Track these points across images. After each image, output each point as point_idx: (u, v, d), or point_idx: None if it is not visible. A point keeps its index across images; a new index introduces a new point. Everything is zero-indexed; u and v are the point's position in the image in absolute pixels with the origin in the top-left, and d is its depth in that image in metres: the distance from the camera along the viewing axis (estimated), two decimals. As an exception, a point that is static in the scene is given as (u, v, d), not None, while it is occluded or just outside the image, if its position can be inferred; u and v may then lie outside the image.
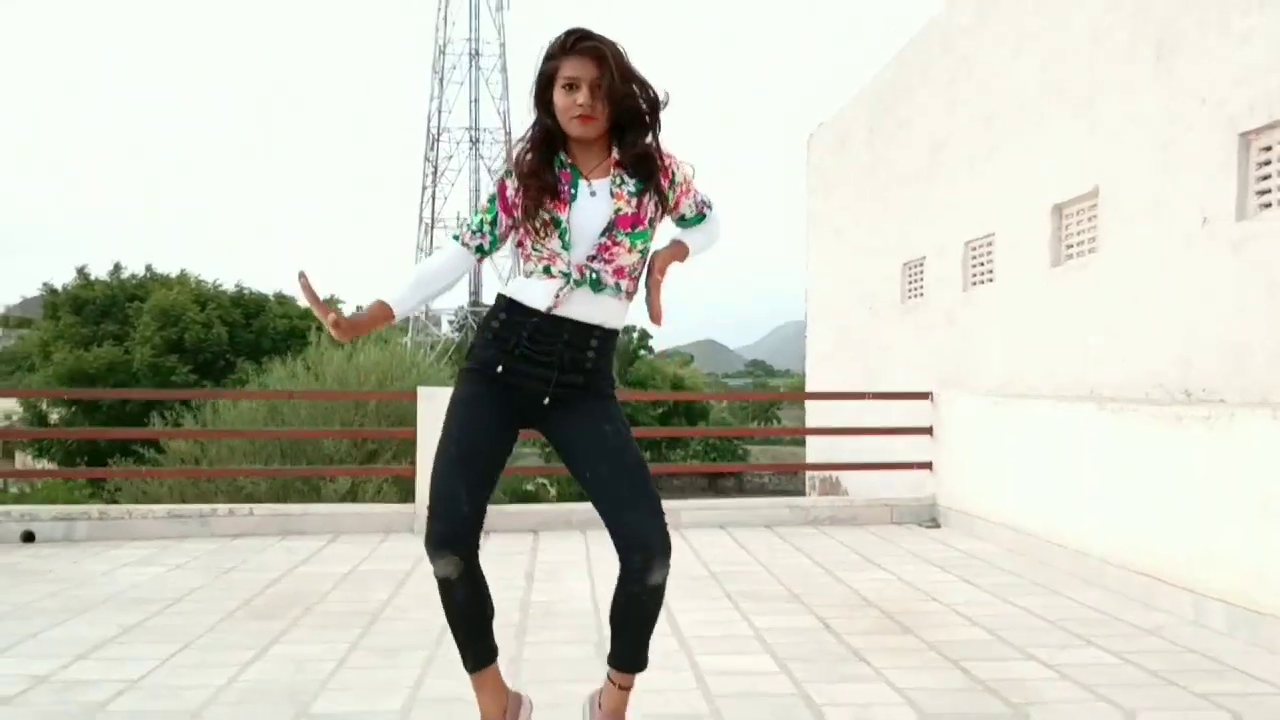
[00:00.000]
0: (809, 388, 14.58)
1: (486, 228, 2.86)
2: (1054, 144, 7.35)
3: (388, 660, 4.19)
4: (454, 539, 2.71)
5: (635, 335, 65.64)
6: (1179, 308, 5.86)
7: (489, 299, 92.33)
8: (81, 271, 32.87)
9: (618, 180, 2.81)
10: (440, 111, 75.79)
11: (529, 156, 2.80)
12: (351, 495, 12.05)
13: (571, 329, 2.79)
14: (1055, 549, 6.15)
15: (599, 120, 2.77)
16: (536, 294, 2.79)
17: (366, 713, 3.53)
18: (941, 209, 9.59)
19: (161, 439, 14.66)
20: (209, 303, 29.66)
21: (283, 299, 32.22)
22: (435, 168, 77.66)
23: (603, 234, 2.78)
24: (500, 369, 2.79)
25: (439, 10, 73.61)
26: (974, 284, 9.05)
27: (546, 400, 2.81)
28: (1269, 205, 5.30)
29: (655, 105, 2.80)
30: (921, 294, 10.30)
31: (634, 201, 2.80)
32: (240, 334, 29.79)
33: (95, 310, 30.94)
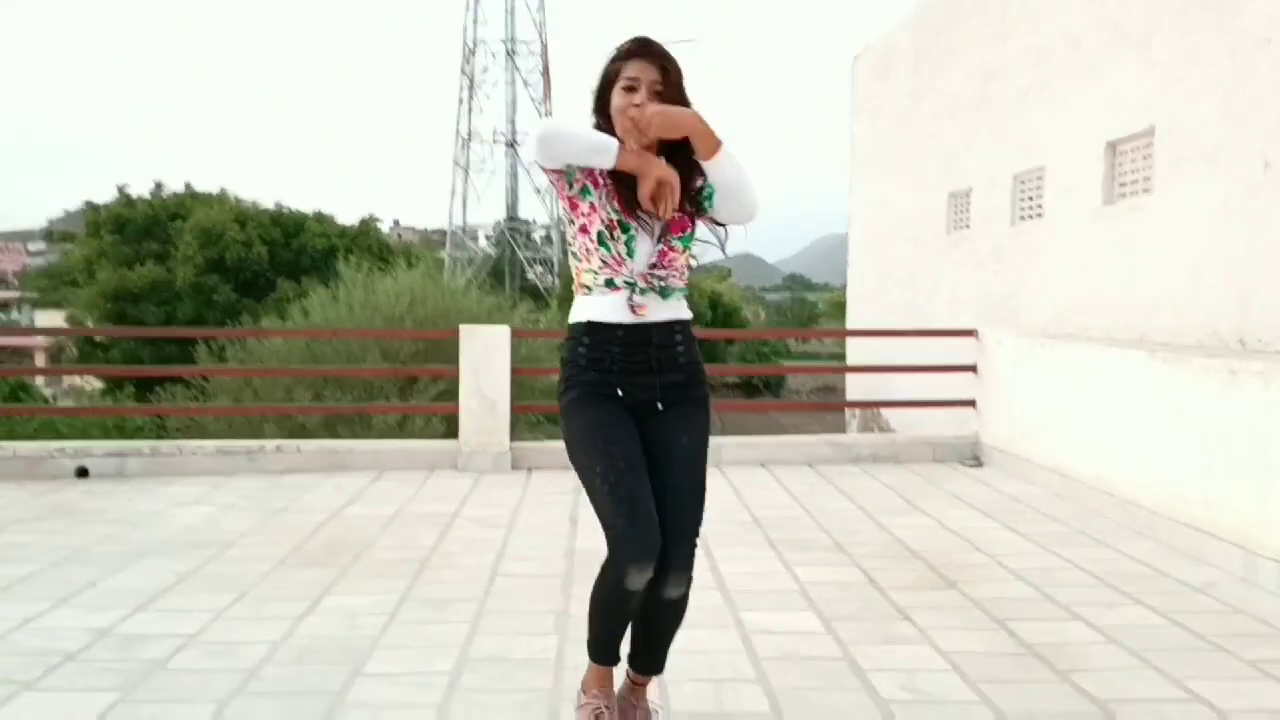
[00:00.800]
0: (850, 319, 14.46)
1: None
2: (1109, 80, 7.11)
3: (437, 614, 4.26)
4: (653, 550, 2.70)
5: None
6: (1237, 255, 5.71)
7: (525, 214, 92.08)
8: (122, 191, 33.06)
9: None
10: (475, 23, 74.99)
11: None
12: (399, 424, 12.17)
13: (656, 331, 2.81)
14: (1103, 496, 6.10)
15: (651, 132, 2.72)
16: (609, 308, 2.79)
17: (419, 673, 3.60)
18: (990, 141, 9.36)
19: (207, 375, 14.82)
20: (249, 222, 29.77)
21: (321, 218, 32.28)
22: (471, 81, 76.98)
23: (658, 241, 2.78)
24: (621, 392, 2.80)
25: (472, -78, 72.47)
26: (1022, 219, 8.86)
27: (660, 401, 2.82)
28: (1336, 154, 5.15)
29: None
30: (968, 226, 10.12)
31: (677, 208, 2.77)
32: (280, 253, 29.94)
33: (137, 229, 31.17)
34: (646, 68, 2.73)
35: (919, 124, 11.42)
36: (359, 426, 11.58)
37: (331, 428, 11.30)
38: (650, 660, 3.03)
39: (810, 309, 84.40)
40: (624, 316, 2.78)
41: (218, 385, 14.27)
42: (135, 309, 29.06)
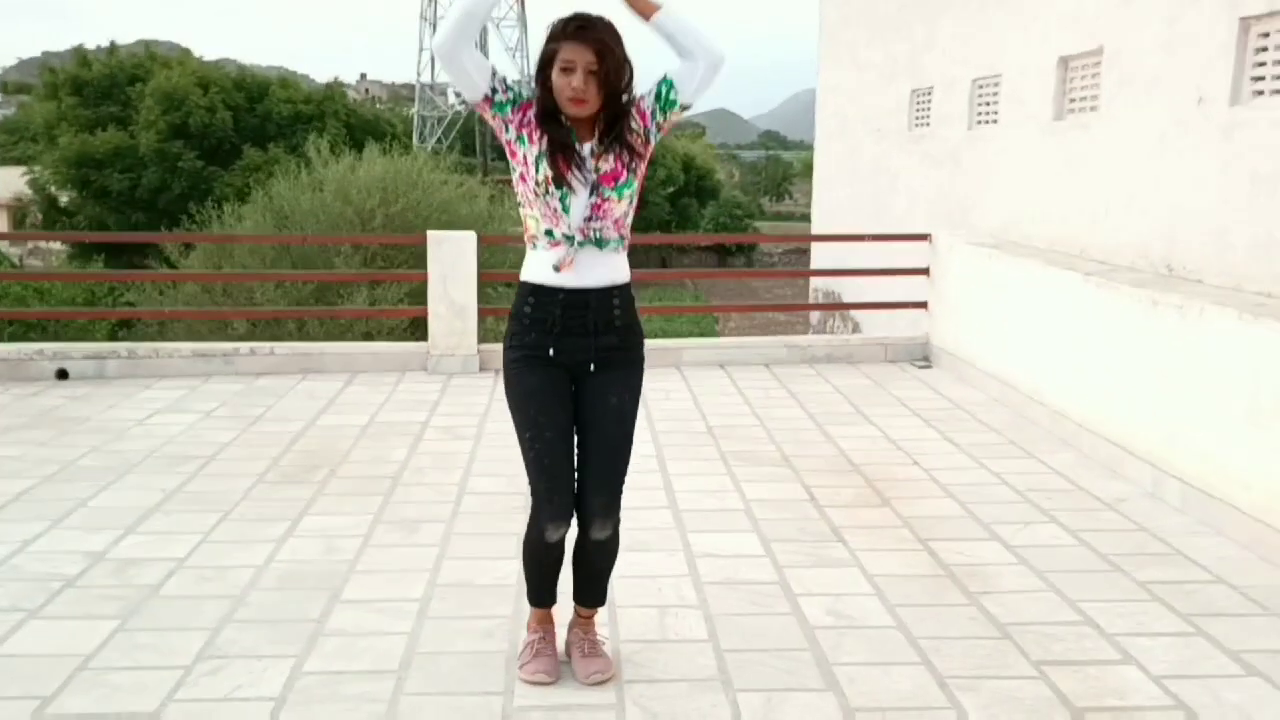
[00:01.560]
0: (815, 204, 14.64)
1: (509, 90, 3.04)
2: (1065, -6, 7.22)
3: (408, 537, 4.61)
4: (568, 513, 3.18)
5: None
6: (1168, 184, 5.95)
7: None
8: (78, 51, 32.18)
9: (595, 146, 3.03)
10: None
11: (543, 107, 3.01)
12: (369, 306, 12.37)
13: (594, 297, 3.08)
14: (1036, 406, 6.48)
15: (591, 104, 2.95)
16: (548, 273, 3.05)
17: (391, 600, 3.96)
18: (952, 42, 9.42)
19: (181, 240, 14.87)
20: (211, 86, 29.16)
21: (286, 82, 31.64)
22: (437, -70, 74.35)
23: (591, 194, 3.02)
24: (552, 352, 3.09)
25: None
26: (979, 123, 9.02)
27: (593, 364, 3.12)
28: (1261, 93, 5.33)
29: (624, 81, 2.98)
30: (928, 124, 10.25)
31: (610, 159, 3.01)
32: (245, 119, 29.47)
33: (95, 92, 30.48)
34: (582, 50, 2.90)
35: (886, 13, 11.41)
36: (330, 322, 11.77)
37: (301, 322, 11.50)
38: (590, 594, 3.43)
39: (785, 169, 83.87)
40: (565, 281, 3.04)
41: (186, 270, 14.35)
42: (99, 174, 28.68)
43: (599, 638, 3.49)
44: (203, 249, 14.34)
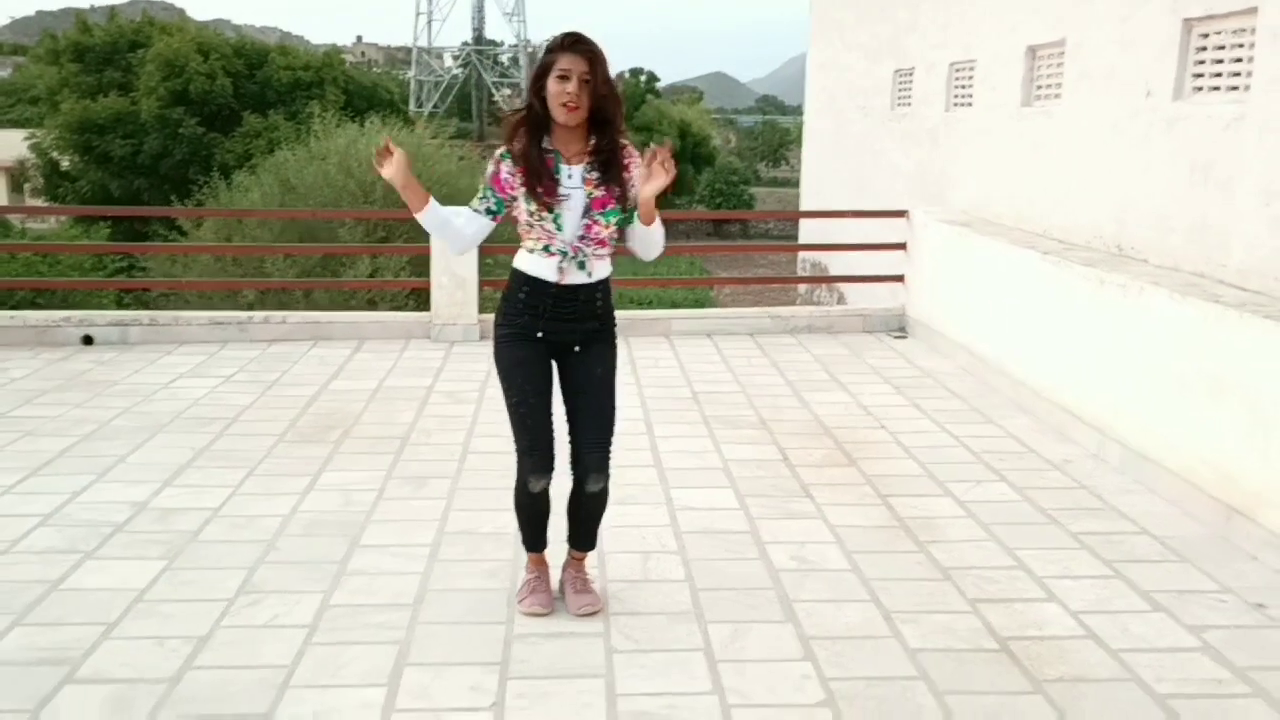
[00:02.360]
0: (804, 178, 15.08)
1: (491, 200, 3.60)
2: (1033, -15, 7.65)
3: (417, 490, 5.11)
4: (548, 466, 3.67)
5: (643, 78, 64.43)
6: (1120, 170, 6.41)
7: (491, 34, 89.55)
8: (79, 17, 32.39)
9: (589, 167, 3.49)
10: None
11: (521, 142, 3.48)
12: (372, 276, 12.81)
13: (582, 291, 3.58)
14: (999, 375, 6.97)
15: (581, 110, 3.42)
16: (546, 269, 3.54)
17: (405, 545, 4.46)
18: (932, 26, 9.83)
19: (185, 216, 15.29)
20: (211, 53, 29.40)
21: (285, 49, 31.87)
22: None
23: (583, 216, 3.50)
24: (541, 334, 3.59)
25: None
26: (956, 105, 9.45)
27: (577, 344, 3.63)
28: (1200, 89, 5.78)
29: (621, 109, 3.46)
30: (910, 104, 10.67)
31: (601, 186, 3.49)
32: (245, 85, 29.73)
33: (97, 58, 30.72)
34: (577, 60, 3.37)
35: (872, -6, 11.81)
36: (334, 290, 12.21)
37: (308, 291, 11.93)
38: (582, 539, 3.94)
39: (782, 135, 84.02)
40: (554, 278, 3.55)
41: (196, 241, 14.77)
42: (101, 140, 28.98)
43: (589, 577, 3.99)
44: (214, 220, 14.76)
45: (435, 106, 76.57)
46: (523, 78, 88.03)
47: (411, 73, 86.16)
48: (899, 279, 9.00)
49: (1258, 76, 5.15)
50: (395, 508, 4.90)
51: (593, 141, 3.50)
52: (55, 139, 29.56)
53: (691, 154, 56.36)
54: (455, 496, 5.04)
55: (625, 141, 3.53)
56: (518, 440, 3.68)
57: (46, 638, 3.62)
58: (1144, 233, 6.15)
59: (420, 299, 11.46)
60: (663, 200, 3.52)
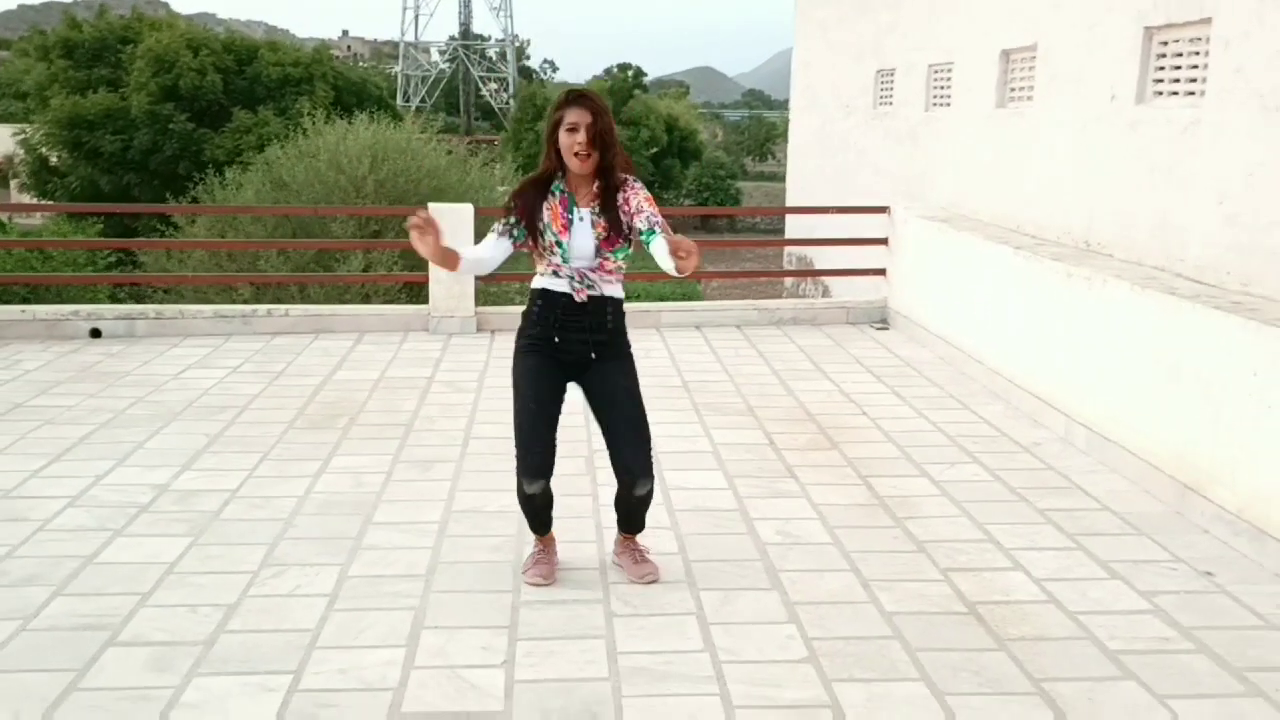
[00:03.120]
0: (789, 174, 15.39)
1: (515, 225, 3.92)
2: (1007, -9, 7.98)
3: (424, 473, 5.40)
4: (544, 470, 3.95)
5: (630, 73, 64.63)
6: (1088, 170, 6.74)
7: (478, 29, 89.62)
8: (67, 13, 32.49)
9: (596, 210, 3.83)
10: None
11: (528, 185, 3.89)
12: (365, 270, 13.07)
13: (591, 306, 3.90)
14: (975, 364, 7.30)
15: (591, 159, 3.77)
16: (560, 286, 3.88)
17: (415, 522, 4.75)
18: (912, 28, 10.16)
19: (180, 214, 15.52)
20: (201, 49, 29.55)
21: (274, 45, 32.03)
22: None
23: (595, 255, 3.84)
24: (556, 340, 3.91)
25: None
26: (934, 106, 9.78)
27: (593, 355, 3.93)
28: (1160, 94, 6.12)
29: (620, 161, 3.82)
30: (891, 104, 11.00)
31: (610, 229, 3.83)
32: (234, 81, 29.87)
33: (86, 54, 30.83)
34: (583, 113, 3.73)
35: (855, -3, 12.13)
36: (328, 285, 12.45)
37: (303, 286, 12.18)
38: (632, 526, 4.26)
39: (768, 129, 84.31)
40: (569, 290, 3.87)
41: (191, 237, 15.00)
42: (91, 136, 29.09)
43: (644, 548, 4.29)
44: (207, 216, 14.99)
45: (422, 101, 76.70)
46: (510, 72, 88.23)
47: (399, 67, 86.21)
48: (881, 272, 9.33)
49: (1211, 83, 5.48)
50: (404, 489, 5.19)
51: (598, 185, 3.83)
52: (45, 135, 29.66)
53: (678, 148, 56.56)
54: (461, 478, 5.34)
55: (625, 176, 3.85)
56: (516, 443, 4.00)
57: (87, 606, 3.91)
58: (1110, 229, 6.48)
59: (413, 293, 11.73)
60: (655, 200, 3.85)
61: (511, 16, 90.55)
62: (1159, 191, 5.97)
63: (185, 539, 4.53)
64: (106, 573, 4.19)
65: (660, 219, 3.80)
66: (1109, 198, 6.49)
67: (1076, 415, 5.92)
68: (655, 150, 54.12)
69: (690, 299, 21.91)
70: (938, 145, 9.54)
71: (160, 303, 11.32)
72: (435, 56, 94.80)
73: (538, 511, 4.13)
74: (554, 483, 4.07)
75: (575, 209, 3.85)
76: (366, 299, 12.70)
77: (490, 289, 11.54)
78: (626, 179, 3.85)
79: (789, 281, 13.63)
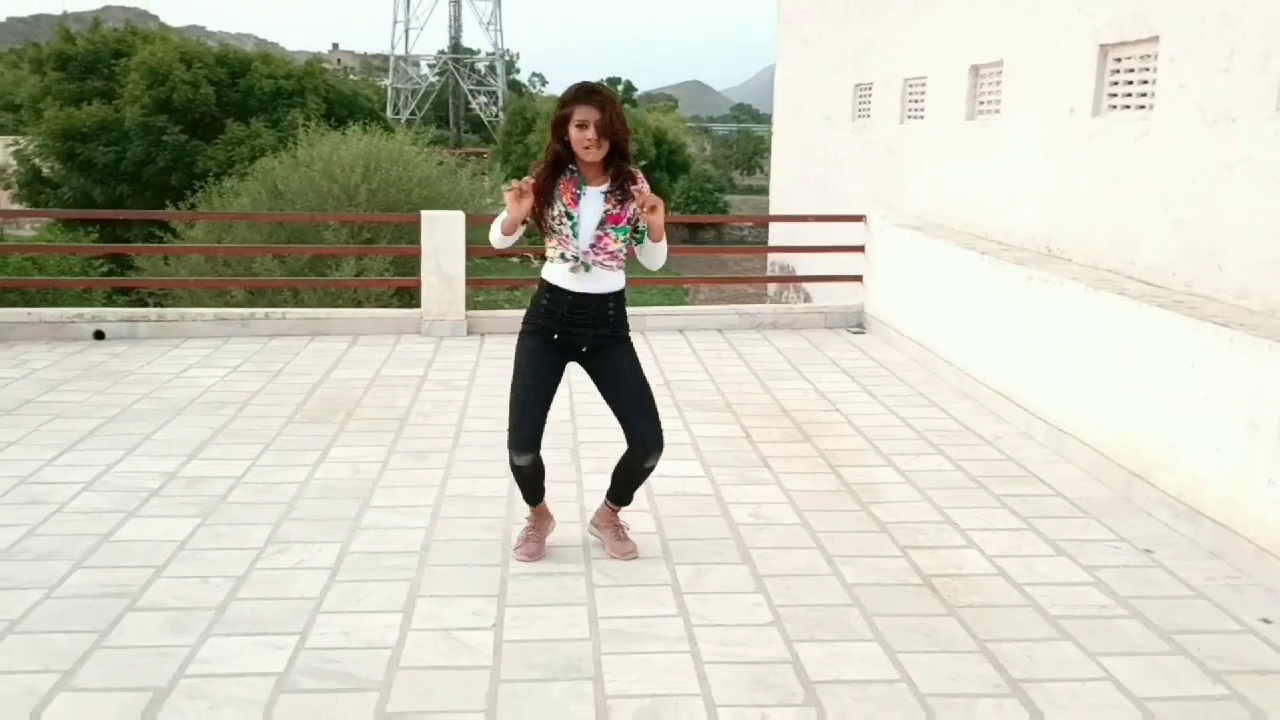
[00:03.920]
0: (773, 182, 15.78)
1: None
2: (976, 9, 8.35)
3: (419, 462, 5.71)
4: (532, 444, 4.23)
5: (620, 87, 65.13)
6: (1050, 179, 7.11)
7: (468, 42, 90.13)
8: (61, 26, 32.80)
9: (608, 191, 4.13)
10: None
11: (541, 173, 4.16)
12: (357, 275, 13.39)
13: (594, 300, 4.20)
14: (945, 364, 7.64)
15: (601, 150, 4.06)
16: (562, 277, 4.17)
17: (410, 505, 5.06)
18: (888, 43, 10.54)
19: (175, 220, 15.80)
20: (194, 62, 29.85)
21: (267, 58, 32.36)
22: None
23: (598, 226, 4.12)
24: (557, 335, 4.23)
25: None
26: (910, 118, 10.16)
27: (585, 349, 4.26)
28: (1115, 108, 6.49)
29: (629, 142, 4.12)
30: (869, 116, 11.38)
31: (619, 206, 4.13)
32: (227, 94, 30.14)
33: (79, 67, 31.09)
34: (591, 110, 4.01)
35: (836, 11, 12.51)
36: (321, 290, 12.77)
37: (296, 290, 12.48)
38: (624, 497, 4.56)
39: (756, 143, 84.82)
40: (574, 285, 4.17)
41: (188, 240, 15.31)
42: (84, 147, 29.33)
43: (625, 526, 4.60)
44: (203, 225, 15.29)
45: (413, 113, 77.08)
46: (500, 85, 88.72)
47: (389, 80, 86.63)
48: (858, 279, 9.67)
49: (1159, 97, 5.85)
50: (399, 476, 5.50)
51: (610, 170, 4.13)
52: (39, 146, 29.90)
53: (666, 162, 56.94)
54: (453, 467, 5.65)
55: (634, 170, 4.17)
56: (509, 417, 4.29)
57: (107, 577, 4.21)
58: (1071, 235, 6.84)
59: (404, 298, 12.04)
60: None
61: (501, 31, 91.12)
62: (1113, 199, 6.33)
63: (195, 519, 4.83)
64: (123, 549, 4.50)
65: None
66: (1069, 205, 6.85)
67: (1036, 410, 6.26)
68: (644, 163, 54.32)
69: (676, 306, 22.21)
70: (913, 156, 9.91)
71: (157, 308, 11.58)
72: (425, 70, 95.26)
73: (528, 481, 4.40)
74: (540, 472, 4.39)
75: (585, 188, 4.13)
76: (358, 304, 13.01)
77: (478, 296, 11.87)
78: (636, 173, 4.15)
79: (772, 289, 13.99)
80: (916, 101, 9.94)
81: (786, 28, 14.88)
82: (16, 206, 33.96)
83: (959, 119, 8.71)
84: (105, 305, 14.17)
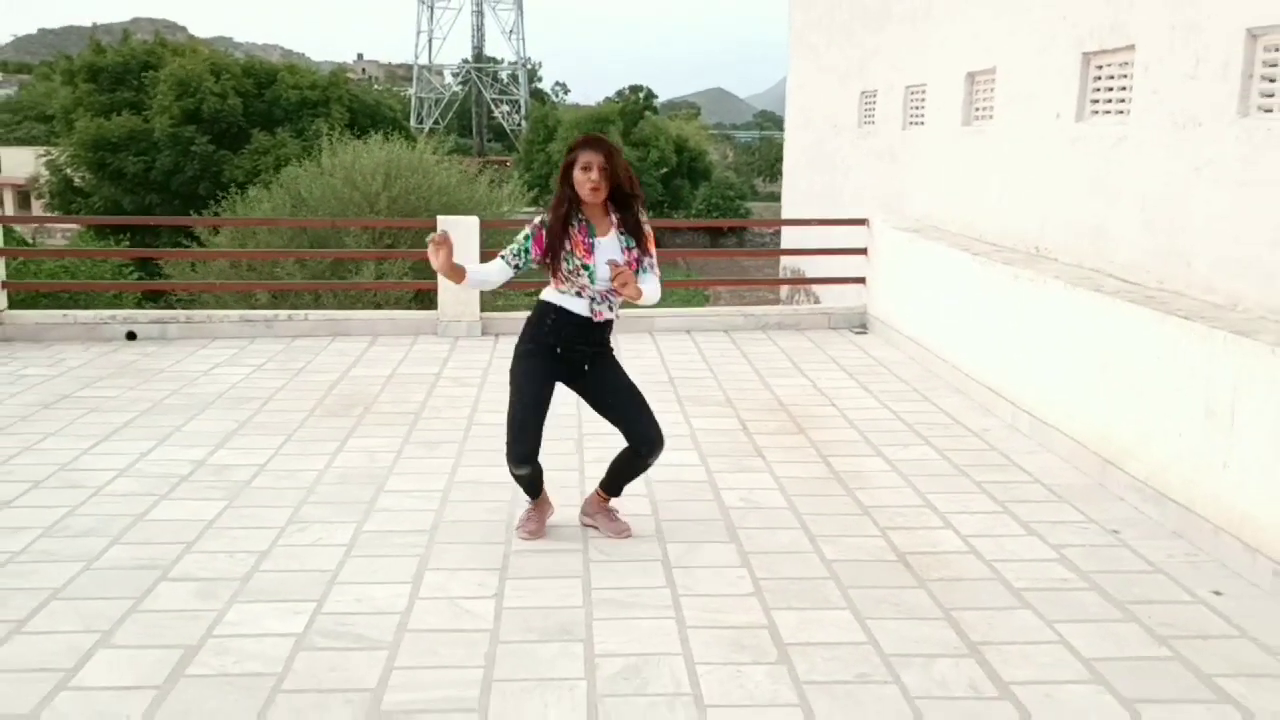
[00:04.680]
0: (785, 189, 16.10)
1: (522, 256, 4.54)
2: (971, 19, 8.64)
3: (431, 452, 6.05)
4: (530, 456, 4.56)
5: (641, 95, 65.56)
6: (1038, 182, 7.39)
7: (491, 51, 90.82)
8: (92, 38, 33.53)
9: (620, 237, 4.47)
10: None
11: (554, 223, 4.46)
12: (378, 278, 13.78)
13: (595, 326, 4.56)
14: (940, 361, 7.92)
15: (603, 191, 4.41)
16: (577, 307, 4.52)
17: (422, 490, 5.40)
18: (891, 51, 10.83)
19: (201, 226, 16.26)
20: (222, 73, 30.49)
21: (293, 69, 32.96)
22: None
23: (613, 280, 4.43)
24: (560, 350, 4.56)
25: None
26: (911, 124, 10.45)
27: (587, 366, 4.59)
28: (1096, 113, 6.77)
29: (636, 187, 4.46)
30: (874, 123, 11.67)
31: (628, 252, 4.47)
32: (254, 104, 30.78)
33: (110, 78, 31.81)
34: (595, 154, 4.37)
35: (842, 21, 12.81)
36: (342, 293, 13.17)
37: (318, 294, 12.89)
38: (615, 489, 4.88)
39: (778, 150, 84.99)
40: (585, 311, 4.51)
41: (215, 249, 15.77)
42: (114, 157, 30.02)
43: (616, 510, 4.93)
44: (229, 229, 15.78)
45: (436, 122, 77.84)
46: (522, 94, 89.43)
47: (413, 90, 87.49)
48: (861, 281, 9.96)
49: (1135, 103, 6.13)
50: (412, 464, 5.85)
51: (615, 217, 4.48)
52: (70, 156, 30.61)
53: (688, 169, 57.27)
54: (463, 457, 5.99)
55: (639, 211, 4.51)
56: (508, 433, 4.61)
57: (141, 552, 4.57)
58: (1058, 236, 7.12)
59: (423, 300, 12.41)
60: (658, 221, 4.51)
61: (524, 40, 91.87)
62: (1094, 200, 6.61)
63: (221, 502, 5.19)
64: (155, 527, 4.85)
65: (653, 259, 4.54)
66: (1056, 207, 7.13)
67: (1021, 403, 6.54)
68: (665, 171, 54.86)
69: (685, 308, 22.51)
70: (914, 161, 10.19)
71: (185, 310, 12.00)
72: (448, 79, 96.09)
73: (528, 483, 4.77)
74: (546, 460, 4.71)
75: (596, 239, 4.46)
76: (378, 307, 13.40)
77: (498, 300, 12.23)
78: (641, 215, 4.50)
79: (784, 291, 14.28)
80: (917, 108, 10.23)
81: (797, 37, 15.19)
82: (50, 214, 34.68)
83: (956, 124, 8.99)
84: (136, 308, 14.70)
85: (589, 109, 67.88)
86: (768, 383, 7.78)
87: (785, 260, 15.12)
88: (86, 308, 12.28)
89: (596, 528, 4.89)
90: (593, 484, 5.25)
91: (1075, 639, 3.89)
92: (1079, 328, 5.89)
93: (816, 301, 13.12)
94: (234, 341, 8.97)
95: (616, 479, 4.84)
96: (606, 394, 4.66)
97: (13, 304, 9.58)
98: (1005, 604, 4.19)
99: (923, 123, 10.01)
